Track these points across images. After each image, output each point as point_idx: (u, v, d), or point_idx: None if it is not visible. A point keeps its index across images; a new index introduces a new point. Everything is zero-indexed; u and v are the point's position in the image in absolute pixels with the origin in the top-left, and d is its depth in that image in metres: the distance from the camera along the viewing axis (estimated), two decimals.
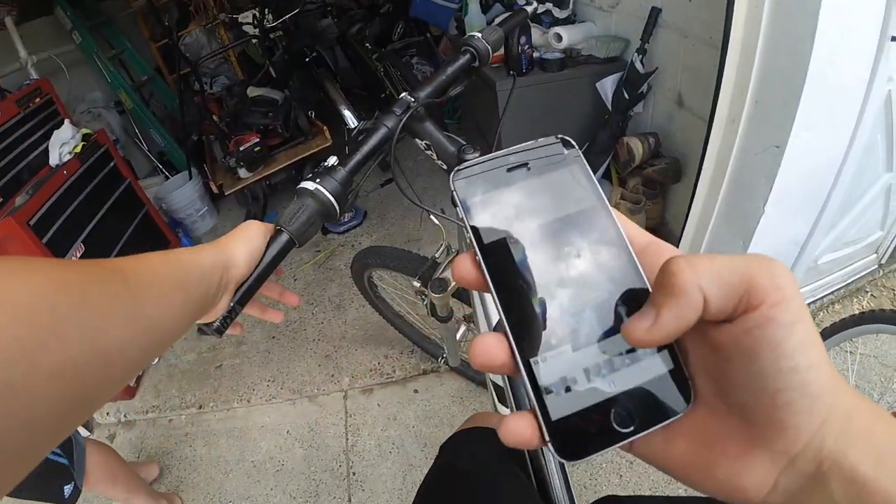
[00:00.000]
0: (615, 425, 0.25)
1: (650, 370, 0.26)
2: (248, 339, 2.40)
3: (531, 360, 0.26)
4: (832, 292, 2.06)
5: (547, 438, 0.25)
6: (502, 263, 0.28)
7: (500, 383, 1.01)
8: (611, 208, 0.29)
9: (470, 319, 1.49)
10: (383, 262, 1.49)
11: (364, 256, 1.56)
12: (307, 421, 1.98)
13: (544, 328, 0.27)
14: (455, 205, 0.29)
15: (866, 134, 1.44)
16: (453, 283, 1.10)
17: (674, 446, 0.26)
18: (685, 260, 0.24)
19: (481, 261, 0.28)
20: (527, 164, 0.30)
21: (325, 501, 1.73)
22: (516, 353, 0.26)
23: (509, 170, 0.29)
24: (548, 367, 0.26)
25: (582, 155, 0.30)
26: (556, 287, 0.27)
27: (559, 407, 0.26)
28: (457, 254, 1.11)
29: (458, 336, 1.50)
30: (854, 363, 1.67)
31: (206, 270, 0.46)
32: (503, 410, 1.00)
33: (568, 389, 0.26)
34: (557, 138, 0.30)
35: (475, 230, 0.28)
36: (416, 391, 2.00)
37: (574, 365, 0.26)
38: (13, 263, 0.28)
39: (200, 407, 2.13)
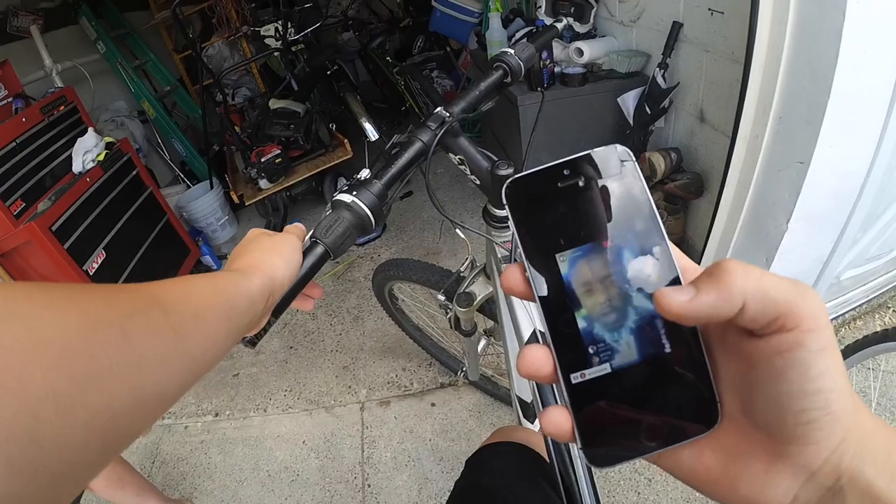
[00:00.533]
0: (645, 438, 0.27)
1: (682, 388, 0.27)
2: (266, 348, 2.41)
3: (570, 372, 0.27)
4: (854, 308, 2.03)
5: (580, 445, 0.27)
6: (549, 277, 0.28)
7: (527, 399, 1.01)
8: (662, 226, 0.28)
9: (492, 333, 1.49)
10: (406, 275, 1.49)
11: (386, 269, 1.57)
12: (323, 432, 1.98)
13: (585, 342, 0.28)
14: (507, 217, 0.30)
15: (890, 149, 1.43)
16: (479, 298, 1.10)
17: (700, 461, 0.27)
18: (740, 265, 0.24)
19: (530, 275, 0.28)
20: (580, 176, 0.29)
21: None
22: (557, 363, 0.27)
23: (562, 182, 0.29)
24: (586, 379, 0.27)
25: (638, 168, 0.29)
26: (601, 303, 0.28)
27: (594, 417, 0.27)
28: (482, 268, 1.12)
29: (480, 349, 1.50)
30: (877, 380, 1.64)
31: (254, 298, 0.44)
32: (528, 425, 1.00)
33: (603, 401, 0.27)
34: (615, 148, 0.29)
35: (524, 242, 0.29)
36: (433, 404, 1.99)
37: (611, 379, 0.27)
38: (44, 293, 0.25)
39: (217, 415, 2.13)
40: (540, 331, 0.76)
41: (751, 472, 0.26)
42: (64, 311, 0.24)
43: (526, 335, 0.75)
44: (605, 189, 0.28)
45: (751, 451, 0.26)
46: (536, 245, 0.29)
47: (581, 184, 0.28)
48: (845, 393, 0.24)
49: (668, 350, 0.27)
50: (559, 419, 0.27)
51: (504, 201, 0.29)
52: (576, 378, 0.27)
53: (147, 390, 0.27)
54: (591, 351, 0.27)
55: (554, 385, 0.70)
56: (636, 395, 0.27)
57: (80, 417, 0.23)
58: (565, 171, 0.29)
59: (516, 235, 0.29)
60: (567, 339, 0.28)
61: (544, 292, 0.28)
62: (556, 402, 0.65)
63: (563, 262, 0.28)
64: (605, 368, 0.27)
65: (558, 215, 0.29)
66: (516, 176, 0.29)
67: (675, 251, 0.29)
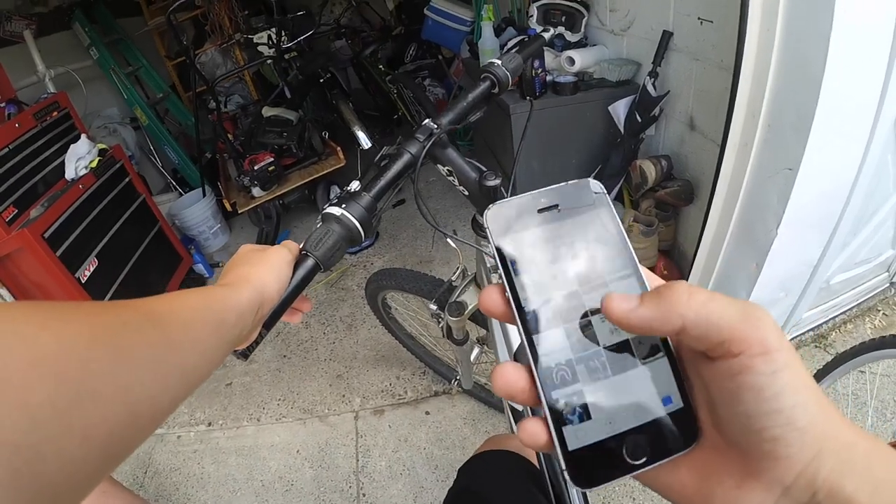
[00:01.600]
0: (627, 457, 0.27)
1: (662, 407, 0.28)
2: (259, 357, 2.40)
3: (552, 392, 0.28)
4: (844, 312, 2.05)
5: (563, 467, 0.27)
6: (528, 298, 0.29)
7: (519, 407, 1.01)
8: (634, 254, 0.30)
9: (484, 342, 1.49)
10: (398, 284, 1.49)
11: (379, 278, 1.57)
12: (317, 441, 1.98)
13: (564, 363, 0.28)
14: (487, 239, 0.31)
15: (877, 155, 1.45)
16: (470, 307, 1.10)
17: (676, 477, 0.28)
18: (688, 288, 0.25)
19: (510, 295, 0.29)
20: (557, 205, 0.31)
21: None
22: (539, 384, 0.28)
23: (540, 210, 0.31)
24: (567, 401, 0.28)
25: (609, 199, 0.31)
26: (578, 325, 0.29)
27: (576, 437, 0.27)
28: (473, 277, 1.12)
29: (473, 358, 1.50)
30: (873, 384, 1.66)
31: (243, 312, 0.44)
32: None
33: (585, 421, 0.27)
34: (589, 182, 0.32)
35: (504, 265, 0.30)
36: (427, 413, 1.99)
37: (592, 399, 0.28)
38: (40, 312, 0.26)
39: (210, 424, 2.12)
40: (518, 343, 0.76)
41: (724, 488, 0.26)
42: (61, 329, 0.26)
43: (515, 344, 0.75)
44: (579, 217, 0.31)
45: (724, 468, 0.26)
46: (515, 267, 0.30)
47: (558, 211, 0.31)
48: (812, 406, 0.24)
49: (646, 370, 0.28)
50: (536, 430, 0.28)
51: (486, 224, 0.31)
52: (556, 399, 0.28)
53: (141, 404, 0.28)
54: (569, 368, 0.28)
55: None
56: (617, 415, 0.28)
57: (78, 430, 0.24)
58: (543, 200, 0.31)
59: (497, 258, 0.30)
60: (545, 358, 0.28)
61: (522, 312, 0.29)
62: (531, 415, 0.65)
63: (541, 283, 0.29)
64: (584, 389, 0.28)
65: (536, 240, 0.30)
66: (498, 202, 0.31)
67: (648, 274, 0.30)
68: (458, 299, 1.11)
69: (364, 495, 1.76)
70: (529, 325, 0.29)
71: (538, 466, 0.68)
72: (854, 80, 1.23)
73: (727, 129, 1.47)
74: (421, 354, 2.02)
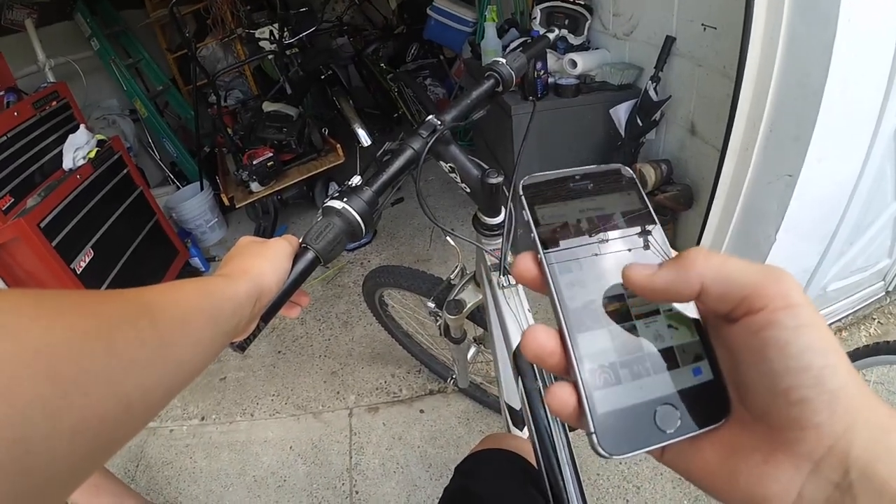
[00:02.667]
0: (657, 426, 0.27)
1: (693, 378, 0.28)
2: (254, 352, 2.39)
3: (582, 357, 0.28)
4: (840, 319, 2.05)
5: (592, 430, 0.26)
6: (560, 267, 0.30)
7: (516, 406, 1.01)
8: (664, 234, 0.31)
9: (481, 341, 1.49)
10: (396, 282, 1.49)
11: (377, 275, 1.56)
12: (311, 437, 1.97)
13: (597, 328, 0.28)
14: (522, 208, 0.31)
15: (876, 164, 1.46)
16: (469, 305, 1.10)
17: (700, 455, 0.27)
18: (703, 252, 0.25)
19: (542, 259, 0.30)
20: (589, 183, 0.32)
21: None
22: (570, 348, 0.28)
23: (573, 186, 0.32)
24: (596, 366, 0.28)
25: (639, 183, 0.33)
26: (609, 295, 0.29)
27: (606, 402, 0.27)
28: (472, 276, 1.12)
29: (469, 357, 1.50)
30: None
31: (240, 303, 0.44)
32: (517, 433, 1.00)
33: (616, 387, 0.27)
34: (620, 166, 0.33)
35: (538, 233, 0.30)
36: (422, 411, 1.99)
37: (622, 366, 0.28)
38: (31, 303, 0.25)
39: (203, 419, 2.11)
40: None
41: (749, 465, 0.25)
42: (51, 321, 0.25)
43: (515, 341, 0.75)
44: (610, 195, 0.32)
45: (750, 444, 0.25)
46: (548, 236, 0.30)
47: (590, 188, 0.32)
48: (843, 372, 0.23)
49: (678, 340, 0.28)
50: (564, 395, 0.27)
51: (520, 193, 0.32)
52: (588, 366, 0.27)
53: (133, 397, 0.28)
54: (600, 339, 0.28)
55: (543, 389, 0.71)
56: (650, 385, 0.28)
57: (66, 423, 0.23)
58: (576, 177, 0.33)
59: (532, 225, 0.31)
60: (577, 326, 0.28)
61: (554, 278, 0.29)
62: (544, 405, 0.65)
63: (572, 254, 0.30)
64: (615, 356, 0.28)
65: (569, 212, 0.31)
66: (533, 174, 0.32)
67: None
68: (456, 297, 1.11)
69: (357, 492, 1.76)
70: (561, 293, 0.29)
71: (536, 466, 0.68)
72: (856, 90, 1.24)
73: (728, 135, 1.47)
74: (417, 353, 2.02)
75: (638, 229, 0.31)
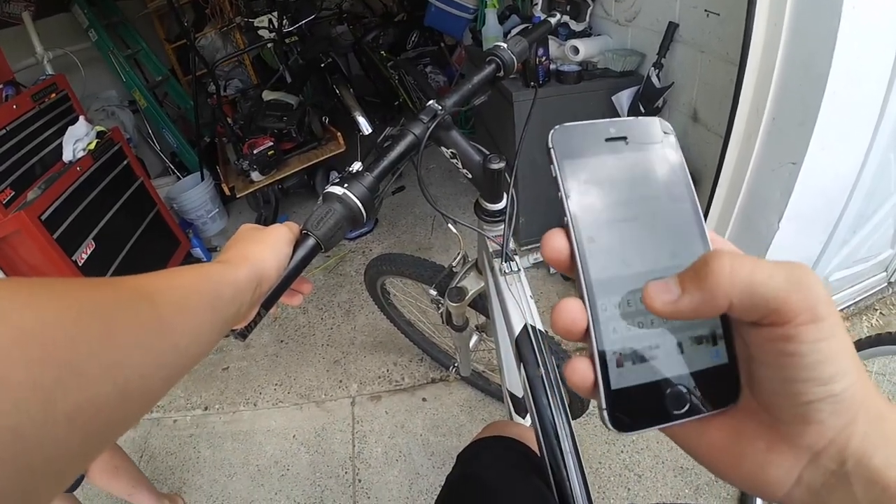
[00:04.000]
0: (668, 406, 0.27)
1: (708, 361, 0.28)
2: (256, 342, 2.40)
3: (602, 333, 0.27)
4: (842, 309, 2.06)
5: (604, 405, 0.27)
6: (588, 233, 0.28)
7: (518, 394, 1.01)
8: (696, 198, 0.29)
9: (483, 329, 1.49)
10: (398, 270, 1.49)
11: (379, 263, 1.56)
12: (314, 426, 1.98)
13: (620, 304, 0.28)
14: (550, 162, 0.29)
15: (879, 153, 1.45)
16: (471, 293, 1.10)
17: (707, 435, 0.28)
18: (729, 261, 0.24)
19: (570, 222, 0.28)
20: (626, 137, 0.30)
21: None
22: (591, 322, 0.27)
23: (608, 140, 0.29)
24: (616, 343, 0.27)
25: (677, 140, 0.30)
26: (636, 266, 0.28)
27: (620, 379, 0.27)
28: (474, 263, 1.12)
29: (471, 345, 1.50)
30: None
31: (240, 289, 0.43)
32: (519, 420, 1.00)
33: (632, 364, 0.27)
34: (658, 120, 0.30)
35: (566, 192, 0.29)
36: (424, 399, 2.00)
37: (641, 343, 0.27)
38: (25, 288, 0.25)
39: (206, 409, 2.12)
40: (531, 325, 0.76)
41: (753, 450, 0.26)
42: (46, 305, 0.24)
43: (517, 328, 0.75)
44: (647, 154, 0.29)
45: (755, 430, 0.26)
46: (577, 197, 0.29)
47: (626, 143, 0.29)
48: (850, 374, 0.23)
49: (701, 323, 0.28)
50: (584, 370, 0.27)
51: (551, 146, 0.29)
52: (608, 342, 0.27)
53: (131, 383, 0.27)
54: (623, 310, 0.28)
55: (546, 376, 0.71)
56: (665, 365, 0.27)
57: (62, 410, 0.23)
58: (612, 129, 0.29)
59: (560, 183, 0.29)
60: (601, 301, 0.28)
61: (583, 248, 0.28)
62: (547, 393, 0.65)
63: (603, 217, 0.28)
64: (634, 333, 0.28)
65: (602, 171, 0.29)
66: (564, 124, 0.30)
67: (708, 231, 0.29)
68: (458, 285, 1.11)
69: (360, 481, 1.77)
70: (587, 260, 0.28)
71: (539, 454, 0.68)
72: (860, 77, 1.23)
73: (731, 122, 1.46)
74: (419, 341, 2.02)
75: (673, 194, 0.29)
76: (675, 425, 0.27)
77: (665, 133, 0.30)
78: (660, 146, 0.30)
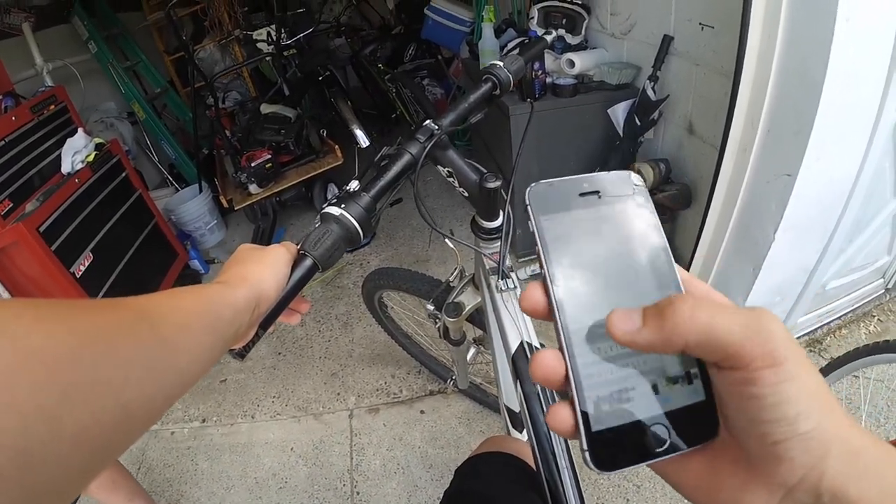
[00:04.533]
0: (648, 445, 0.28)
1: (686, 399, 0.28)
2: (254, 354, 2.39)
3: (581, 377, 0.28)
4: (839, 317, 2.06)
5: (585, 447, 0.27)
6: (564, 281, 0.29)
7: (515, 408, 1.01)
8: (668, 248, 0.31)
9: (481, 342, 1.49)
10: (395, 284, 1.49)
11: (376, 277, 1.56)
12: (312, 439, 1.97)
13: (597, 352, 0.28)
14: (528, 218, 0.31)
15: (875, 161, 1.46)
16: (468, 308, 1.10)
17: (687, 470, 0.28)
18: (689, 306, 0.25)
19: (546, 273, 0.29)
20: (598, 191, 0.31)
21: None
22: (569, 369, 0.28)
23: (581, 194, 0.31)
24: (595, 385, 0.28)
25: (647, 193, 0.32)
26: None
27: (600, 422, 0.28)
28: (471, 278, 1.12)
29: (469, 358, 1.50)
30: (866, 389, 1.67)
31: (239, 309, 0.44)
32: (517, 435, 1.00)
33: (611, 407, 0.28)
34: (630, 174, 0.32)
35: (543, 244, 0.30)
36: (422, 412, 1.99)
37: (620, 385, 0.28)
38: (31, 310, 0.25)
39: (204, 421, 2.12)
40: (527, 342, 0.76)
41: (730, 485, 0.26)
42: (52, 327, 0.25)
43: (514, 346, 0.75)
44: (619, 206, 0.31)
45: (731, 465, 0.27)
46: (553, 248, 0.30)
47: (598, 198, 0.31)
48: (817, 413, 0.24)
49: (673, 362, 0.29)
50: (564, 416, 0.28)
51: (527, 202, 0.31)
52: (587, 387, 0.28)
53: (134, 403, 0.28)
54: (599, 360, 0.28)
55: (542, 392, 0.71)
56: (643, 405, 0.28)
57: (67, 430, 0.23)
58: (585, 185, 0.31)
59: (537, 236, 0.30)
60: (577, 348, 0.28)
61: (560, 296, 0.29)
62: (544, 409, 0.65)
63: (577, 268, 0.30)
64: (612, 377, 0.28)
65: (576, 223, 0.31)
66: (540, 182, 0.31)
67: (680, 271, 0.30)
68: (455, 300, 1.11)
69: (358, 493, 1.76)
70: (564, 311, 0.29)
71: (536, 469, 0.68)
72: (854, 88, 1.24)
73: (726, 134, 1.47)
74: (416, 353, 2.02)
75: (645, 243, 0.30)
76: (656, 462, 0.28)
77: (636, 185, 0.32)
78: (631, 198, 0.31)
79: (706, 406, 0.28)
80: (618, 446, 0.28)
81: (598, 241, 0.30)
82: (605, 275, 0.30)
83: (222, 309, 0.41)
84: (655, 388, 0.28)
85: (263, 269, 0.51)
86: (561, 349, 0.29)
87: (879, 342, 1.36)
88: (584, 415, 0.28)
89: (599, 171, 0.36)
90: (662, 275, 0.30)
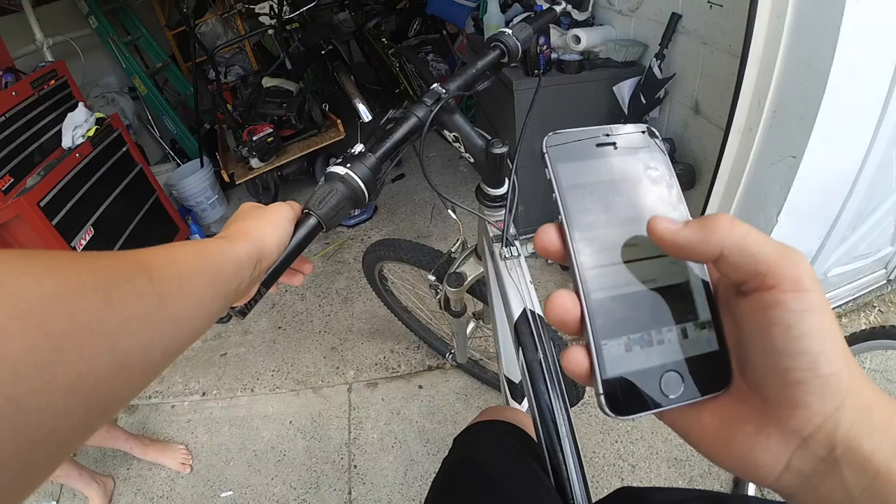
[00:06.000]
0: (661, 391, 0.28)
1: (700, 347, 0.29)
2: (254, 328, 2.41)
3: (597, 323, 0.28)
4: (840, 306, 2.06)
5: (600, 391, 0.28)
6: (581, 229, 0.30)
7: (515, 379, 1.01)
8: (683, 197, 0.31)
9: (480, 316, 1.49)
10: (397, 255, 1.48)
11: (377, 248, 1.56)
12: (310, 412, 1.99)
13: (613, 295, 0.29)
14: (545, 166, 0.31)
15: (881, 149, 1.45)
16: (469, 278, 1.10)
17: (699, 419, 0.29)
18: (729, 219, 0.26)
19: (564, 221, 0.30)
20: (615, 142, 0.32)
21: (326, 493, 1.73)
22: (586, 313, 0.28)
23: (598, 145, 0.31)
24: (610, 332, 0.28)
25: (662, 144, 0.32)
26: (627, 261, 0.30)
27: (615, 366, 0.28)
28: (473, 249, 1.12)
29: (468, 332, 1.50)
30: None
31: (240, 264, 0.43)
32: (516, 406, 1.01)
33: (626, 352, 0.28)
34: (645, 126, 0.33)
35: (560, 193, 0.30)
36: (420, 387, 2.00)
37: (635, 331, 0.29)
38: (23, 260, 0.25)
39: (204, 394, 2.13)
40: (531, 309, 0.76)
41: (743, 434, 0.26)
42: (43, 275, 0.24)
43: (516, 313, 0.75)
44: (635, 156, 0.32)
45: (745, 414, 0.27)
46: (572, 198, 0.30)
47: (615, 148, 0.32)
48: (837, 358, 0.24)
49: (688, 311, 0.29)
50: (580, 359, 0.28)
51: (544, 150, 0.31)
52: (602, 331, 0.28)
53: (131, 354, 0.27)
54: (616, 301, 0.29)
55: (544, 360, 0.71)
56: (658, 352, 0.29)
57: (60, 378, 0.23)
58: (602, 135, 0.32)
59: (555, 186, 0.31)
60: (594, 293, 0.29)
61: (577, 244, 0.30)
62: (545, 377, 0.65)
63: (594, 216, 0.30)
64: (628, 322, 0.29)
65: (593, 172, 0.31)
66: (557, 131, 0.32)
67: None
68: (457, 270, 1.11)
69: (355, 467, 1.78)
70: (581, 256, 0.29)
71: (536, 439, 0.68)
72: (862, 72, 1.22)
73: (732, 114, 1.46)
74: (416, 328, 2.03)
75: (660, 192, 0.31)
76: (668, 409, 0.28)
77: (652, 137, 0.32)
78: (646, 150, 0.32)
79: (720, 356, 0.29)
80: (632, 391, 0.28)
81: (614, 188, 0.30)
82: (619, 221, 0.30)
83: (223, 263, 0.41)
84: (670, 336, 0.29)
85: (266, 225, 0.50)
86: (577, 292, 0.29)
87: (876, 328, 1.37)
88: (600, 358, 0.28)
89: None
90: (679, 217, 0.30)
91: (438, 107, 0.69)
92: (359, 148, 0.65)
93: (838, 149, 1.35)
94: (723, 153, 1.54)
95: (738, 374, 0.28)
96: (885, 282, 2.11)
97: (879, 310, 2.08)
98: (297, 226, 0.56)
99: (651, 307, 0.29)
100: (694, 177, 1.97)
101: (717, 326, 0.29)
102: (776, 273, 0.24)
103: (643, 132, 0.32)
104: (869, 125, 1.36)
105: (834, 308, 2.04)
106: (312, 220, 0.57)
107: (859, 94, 1.26)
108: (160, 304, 0.31)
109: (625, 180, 0.31)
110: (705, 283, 0.30)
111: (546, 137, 0.31)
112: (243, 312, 0.56)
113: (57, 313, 0.23)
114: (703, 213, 1.70)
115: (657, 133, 0.32)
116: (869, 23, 1.14)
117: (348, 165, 0.60)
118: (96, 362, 0.25)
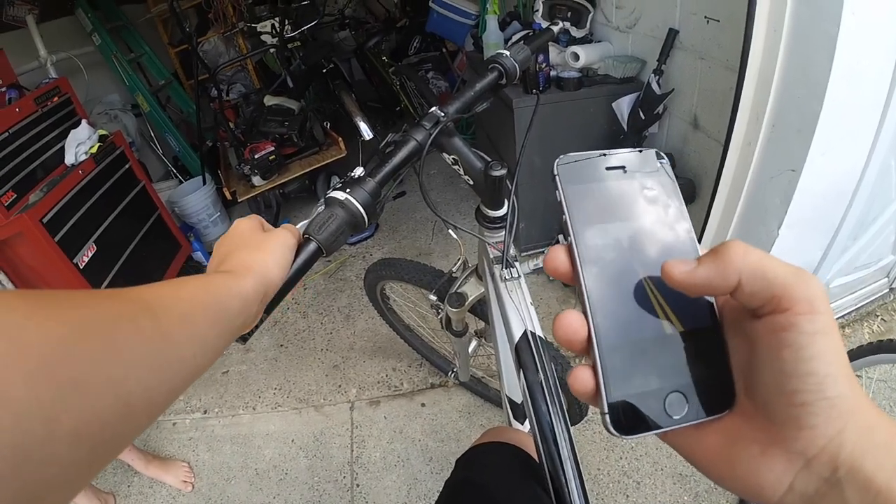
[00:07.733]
0: (665, 412, 0.28)
1: (705, 369, 0.29)
2: (256, 346, 2.40)
3: (603, 345, 0.29)
4: (842, 316, 2.06)
5: (605, 410, 0.28)
6: (590, 251, 0.30)
7: (517, 399, 1.01)
8: (689, 222, 0.32)
9: (483, 335, 1.49)
10: (398, 275, 1.49)
11: (379, 268, 1.56)
12: (312, 430, 1.98)
13: (619, 317, 0.29)
14: (555, 188, 0.32)
15: (880, 159, 1.45)
16: (470, 298, 1.10)
17: (703, 440, 0.29)
18: (743, 246, 0.26)
19: (573, 241, 0.30)
20: (624, 167, 0.32)
21: None
22: (593, 334, 0.29)
23: (608, 168, 0.32)
24: (616, 351, 0.29)
25: (671, 169, 0.33)
26: (634, 285, 0.30)
27: (621, 387, 0.28)
28: (474, 269, 1.12)
29: (470, 350, 1.50)
30: (868, 388, 1.66)
31: (247, 300, 0.43)
32: (518, 426, 1.00)
33: (631, 372, 0.29)
34: (654, 151, 0.33)
35: (570, 215, 0.31)
36: (423, 405, 2.00)
37: (641, 354, 0.29)
38: (25, 302, 0.24)
39: (205, 412, 2.12)
40: (531, 331, 0.76)
41: (747, 455, 0.27)
42: (46, 319, 0.24)
43: (517, 335, 0.75)
44: (643, 181, 0.32)
45: (750, 436, 0.27)
46: (580, 220, 0.31)
47: (624, 172, 0.32)
48: (843, 381, 0.24)
49: (693, 333, 0.30)
50: (585, 378, 0.29)
51: (555, 173, 0.32)
52: (608, 352, 0.29)
53: (135, 397, 0.27)
54: (623, 322, 0.29)
55: (545, 382, 0.71)
56: (663, 373, 0.29)
57: (65, 426, 0.22)
58: (611, 160, 0.32)
59: (564, 206, 0.31)
60: (602, 313, 0.29)
61: (585, 265, 0.30)
62: (546, 399, 0.65)
63: (603, 239, 0.31)
64: (634, 345, 0.29)
65: (603, 196, 0.32)
66: (568, 154, 0.32)
67: (701, 249, 0.31)
68: (458, 290, 1.11)
69: (358, 486, 1.77)
70: (588, 279, 0.30)
71: (537, 460, 0.68)
72: (859, 84, 1.23)
73: (731, 129, 1.47)
74: (418, 346, 2.02)
75: (668, 215, 0.31)
76: (672, 430, 0.28)
77: (660, 161, 0.33)
78: (655, 174, 0.32)
79: (724, 377, 0.29)
80: (636, 412, 0.28)
81: (623, 211, 0.31)
82: (628, 244, 0.30)
83: (229, 300, 0.40)
84: (675, 357, 0.29)
85: (268, 256, 0.50)
86: (584, 312, 0.29)
87: (883, 341, 1.36)
88: (605, 379, 0.28)
89: None
90: (684, 243, 0.31)
91: (437, 130, 0.70)
92: (359, 171, 0.65)
93: (837, 160, 1.36)
94: (722, 167, 1.55)
95: (744, 395, 0.28)
96: (887, 290, 2.11)
97: (882, 319, 2.07)
98: (298, 251, 0.56)
99: (657, 329, 0.29)
100: (694, 191, 1.98)
101: (722, 348, 0.29)
102: (791, 295, 0.24)
103: (653, 156, 0.33)
104: (867, 135, 1.36)
105: (837, 319, 2.03)
106: (313, 246, 0.57)
107: (857, 105, 1.27)
108: (165, 345, 0.30)
109: (633, 203, 0.31)
110: (710, 304, 0.30)
111: (557, 161, 0.32)
112: (244, 338, 0.56)
113: (61, 359, 0.23)
114: (703, 227, 1.70)
115: (665, 156, 0.33)
116: (865, 35, 1.15)
117: (348, 190, 0.60)
118: (101, 407, 0.24)
